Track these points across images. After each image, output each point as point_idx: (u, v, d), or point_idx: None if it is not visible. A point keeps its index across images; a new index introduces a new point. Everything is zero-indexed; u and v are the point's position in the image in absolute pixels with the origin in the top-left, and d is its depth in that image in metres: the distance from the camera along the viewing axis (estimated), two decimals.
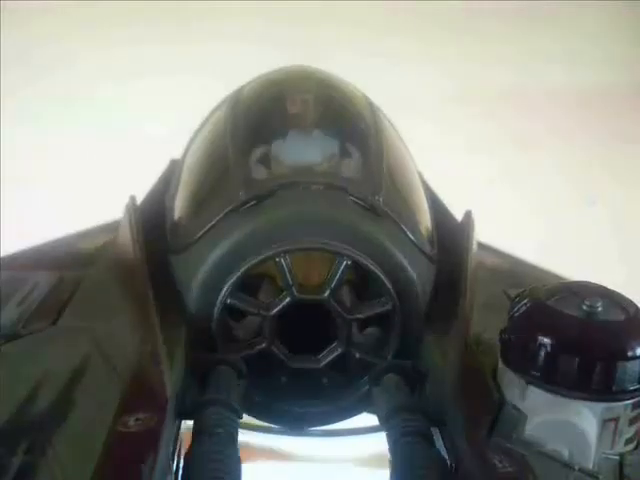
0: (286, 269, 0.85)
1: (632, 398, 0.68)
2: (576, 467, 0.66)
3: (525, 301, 0.75)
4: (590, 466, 0.66)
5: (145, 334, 0.82)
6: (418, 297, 0.89)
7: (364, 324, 0.91)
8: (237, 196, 0.89)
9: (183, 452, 0.68)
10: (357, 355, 0.89)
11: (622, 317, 0.70)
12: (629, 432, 0.69)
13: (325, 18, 3.34)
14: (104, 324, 0.87)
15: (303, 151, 0.98)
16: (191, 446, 0.68)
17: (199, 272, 0.87)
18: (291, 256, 0.86)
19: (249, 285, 0.90)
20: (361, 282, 0.94)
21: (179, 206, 1.04)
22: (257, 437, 0.95)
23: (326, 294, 0.86)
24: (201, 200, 0.99)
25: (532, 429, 0.69)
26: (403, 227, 0.91)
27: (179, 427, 0.74)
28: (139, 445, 0.63)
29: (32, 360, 0.79)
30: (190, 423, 0.73)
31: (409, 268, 0.88)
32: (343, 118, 1.12)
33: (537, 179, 2.91)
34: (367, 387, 0.88)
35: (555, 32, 3.54)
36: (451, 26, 3.46)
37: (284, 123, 1.04)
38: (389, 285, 0.86)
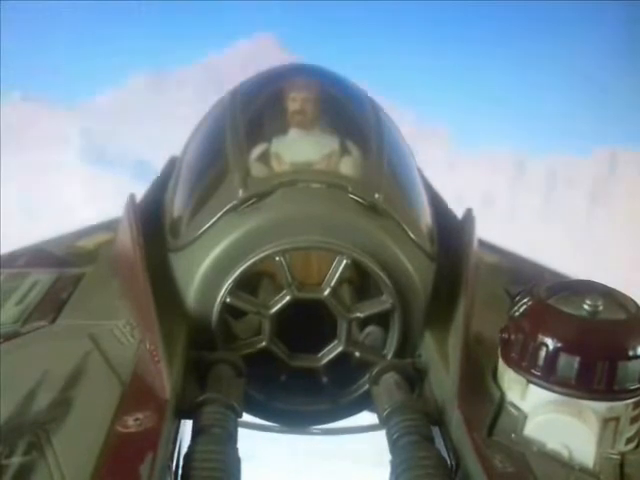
0: (286, 268, 0.85)
1: (633, 397, 0.68)
2: (576, 467, 0.66)
3: (526, 300, 0.75)
4: (591, 466, 0.66)
5: (145, 333, 0.82)
6: (418, 295, 0.88)
7: (364, 323, 0.91)
8: (236, 194, 0.88)
9: (183, 451, 0.68)
10: (357, 354, 0.89)
11: (623, 316, 0.70)
12: (630, 431, 0.69)
13: None
14: (103, 323, 0.87)
15: (303, 149, 0.98)
16: (190, 445, 0.68)
17: (198, 271, 0.87)
18: (290, 255, 0.85)
19: (248, 284, 0.89)
20: (361, 281, 0.94)
21: (178, 204, 1.04)
22: (256, 436, 0.95)
23: (326, 292, 0.86)
24: (200, 198, 0.98)
25: (532, 428, 0.69)
26: (403, 225, 0.90)
27: (178, 426, 0.74)
28: (138, 445, 0.63)
29: (31, 359, 0.79)
30: (189, 422, 0.73)
31: (409, 266, 0.87)
32: (344, 116, 1.11)
33: None
34: (367, 386, 0.88)
35: None
36: None
37: (284, 121, 1.03)
38: (389, 283, 0.86)
